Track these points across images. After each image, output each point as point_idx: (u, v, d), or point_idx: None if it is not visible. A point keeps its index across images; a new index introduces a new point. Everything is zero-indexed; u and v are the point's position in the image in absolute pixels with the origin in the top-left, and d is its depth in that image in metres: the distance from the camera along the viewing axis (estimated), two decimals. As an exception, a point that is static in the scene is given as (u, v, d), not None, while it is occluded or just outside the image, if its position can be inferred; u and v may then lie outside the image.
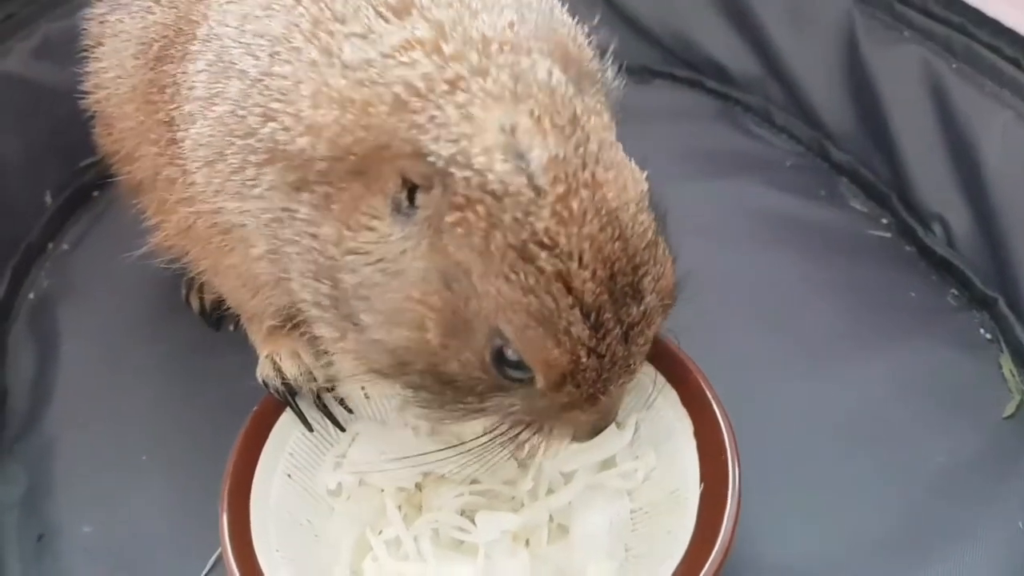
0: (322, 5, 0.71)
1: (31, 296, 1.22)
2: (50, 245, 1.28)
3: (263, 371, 0.94)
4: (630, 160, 0.72)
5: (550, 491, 0.91)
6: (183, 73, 0.82)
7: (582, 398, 0.73)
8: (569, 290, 0.66)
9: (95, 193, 1.34)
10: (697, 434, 0.87)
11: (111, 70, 0.94)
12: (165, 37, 0.86)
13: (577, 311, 0.67)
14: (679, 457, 0.88)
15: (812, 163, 1.36)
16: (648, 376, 0.91)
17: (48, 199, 1.29)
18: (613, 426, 0.91)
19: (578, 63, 0.74)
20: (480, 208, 0.65)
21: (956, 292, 1.18)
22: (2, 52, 1.26)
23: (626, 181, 0.69)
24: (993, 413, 1.04)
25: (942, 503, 0.95)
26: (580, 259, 0.66)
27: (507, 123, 0.65)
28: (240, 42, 0.75)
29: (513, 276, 0.66)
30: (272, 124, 0.71)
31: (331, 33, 0.70)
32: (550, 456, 0.81)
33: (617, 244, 0.68)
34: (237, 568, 0.80)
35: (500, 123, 0.65)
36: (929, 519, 0.94)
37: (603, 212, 0.67)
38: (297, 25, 0.72)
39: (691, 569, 0.78)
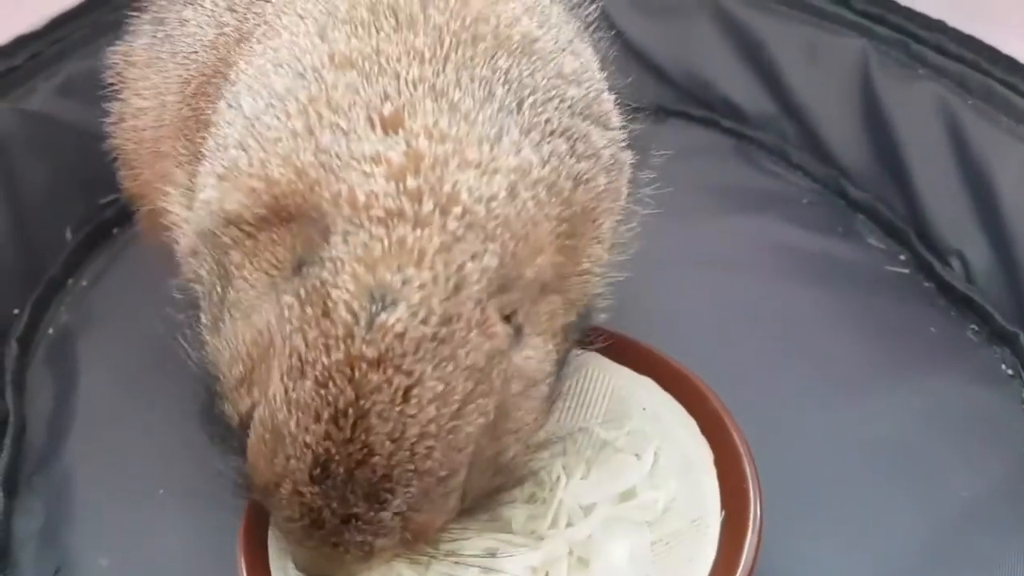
0: (323, 86, 0.70)
1: (50, 331, 1.23)
2: (70, 280, 1.29)
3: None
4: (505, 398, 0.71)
5: (569, 524, 0.90)
6: (215, 113, 0.83)
7: (281, 528, 0.73)
8: (308, 431, 0.65)
9: (115, 230, 1.34)
10: (717, 463, 0.86)
11: (149, 111, 0.97)
12: (203, 75, 0.88)
13: (309, 454, 0.65)
14: (699, 486, 0.86)
15: (828, 200, 1.36)
16: (666, 405, 0.91)
17: (69, 235, 1.30)
18: (633, 457, 0.92)
19: (551, 267, 0.73)
20: (309, 310, 0.65)
21: (976, 328, 1.17)
22: (27, 90, 1.28)
23: (444, 410, 0.65)
24: (1017, 446, 1.03)
25: (967, 534, 0.94)
26: (336, 417, 0.64)
27: (388, 277, 0.63)
28: (249, 88, 0.77)
29: (285, 380, 0.66)
30: (241, 152, 0.72)
31: (320, 115, 0.69)
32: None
33: (387, 443, 0.64)
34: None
35: (383, 272, 0.64)
36: (954, 550, 0.93)
37: (394, 406, 0.64)
38: (295, 93, 0.71)
39: (713, 597, 0.77)
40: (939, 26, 1.27)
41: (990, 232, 1.18)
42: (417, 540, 0.71)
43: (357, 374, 0.63)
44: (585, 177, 0.76)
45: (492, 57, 0.73)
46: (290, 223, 0.70)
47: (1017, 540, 0.94)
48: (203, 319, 0.79)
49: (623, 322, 0.92)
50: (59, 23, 1.31)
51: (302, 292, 0.66)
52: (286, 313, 0.66)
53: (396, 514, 0.67)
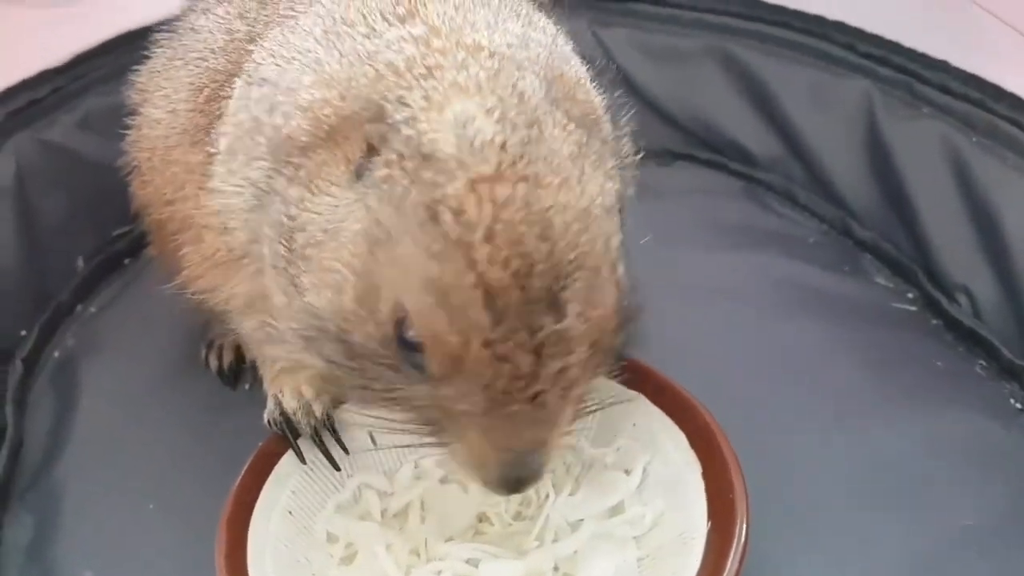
0: (335, 17, 0.78)
1: (56, 354, 1.24)
2: (79, 307, 1.30)
3: (268, 409, 0.94)
4: (602, 181, 0.71)
5: (556, 539, 0.88)
6: (227, 105, 0.86)
7: (477, 408, 0.69)
8: (472, 264, 0.64)
9: (126, 261, 1.36)
10: (706, 475, 0.85)
11: (161, 119, 0.99)
12: (216, 81, 0.91)
13: (479, 291, 0.64)
14: (687, 500, 0.85)
15: (835, 240, 1.35)
16: (656, 419, 0.90)
17: (80, 263, 1.32)
18: (622, 473, 0.91)
19: (574, 104, 0.75)
20: (408, 164, 0.66)
21: (984, 363, 1.15)
22: (48, 123, 1.32)
23: (573, 192, 0.67)
24: (1024, 479, 1.00)
25: (968, 564, 0.92)
26: (488, 236, 0.64)
27: (462, 108, 0.67)
28: (265, 60, 0.82)
29: (420, 238, 0.65)
30: (275, 115, 0.76)
31: (338, 35, 0.76)
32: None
33: (541, 244, 0.65)
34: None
35: (455, 106, 0.67)
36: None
37: (533, 207, 0.65)
38: (312, 31, 0.79)
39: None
40: (942, 66, 1.28)
41: (997, 267, 1.17)
42: (597, 349, 0.71)
43: (485, 192, 0.64)
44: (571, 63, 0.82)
45: None
46: (329, 142, 0.73)
47: (1021, 569, 0.91)
48: (277, 302, 0.78)
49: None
50: (81, 60, 1.36)
51: (393, 159, 0.67)
52: (386, 191, 0.67)
53: (578, 315, 0.67)
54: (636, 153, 0.90)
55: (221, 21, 0.94)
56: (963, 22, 1.53)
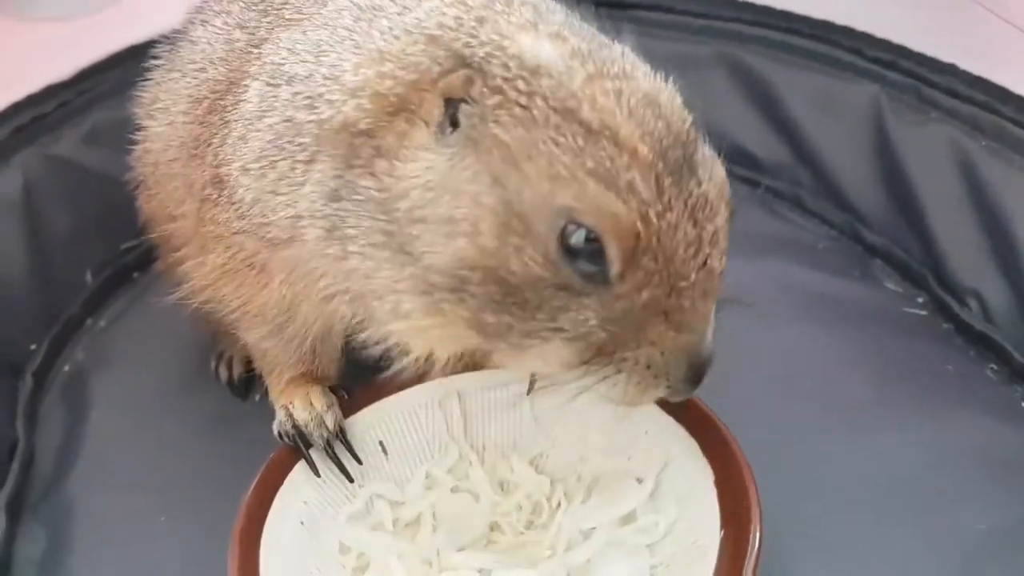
0: (362, 7, 0.80)
1: (66, 368, 1.24)
2: (88, 321, 1.30)
3: (278, 421, 0.94)
4: None
5: (568, 548, 0.88)
6: (235, 109, 0.86)
7: (663, 293, 0.69)
8: (619, 145, 0.67)
9: (135, 275, 1.36)
10: (718, 482, 0.84)
11: (161, 133, 0.99)
12: (216, 92, 0.90)
13: (635, 169, 0.67)
14: (701, 507, 0.85)
15: (845, 245, 1.35)
16: (669, 428, 0.90)
17: (89, 277, 1.32)
18: (634, 481, 0.90)
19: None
20: (520, 83, 0.69)
21: (995, 367, 1.14)
22: (55, 137, 1.32)
23: (652, 79, 0.73)
24: (1038, 482, 0.99)
25: (982, 569, 0.91)
26: (628, 113, 0.68)
27: (532, 37, 0.72)
28: (286, 59, 0.82)
29: (562, 139, 0.67)
30: (317, 110, 0.77)
31: (370, 20, 0.78)
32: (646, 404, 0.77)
33: (660, 122, 0.69)
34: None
35: (530, 32, 0.72)
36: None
37: (639, 93, 0.70)
38: (339, 21, 0.81)
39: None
40: (950, 69, 1.28)
41: (1007, 270, 1.17)
42: (728, 213, 0.74)
43: (600, 84, 0.69)
44: None
45: None
46: (401, 112, 0.74)
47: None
48: (385, 277, 0.76)
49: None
50: (87, 74, 1.36)
51: (499, 84, 0.70)
52: (505, 114, 0.69)
53: (709, 178, 0.72)
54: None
55: (220, 32, 0.94)
56: (970, 25, 1.53)
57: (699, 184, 0.70)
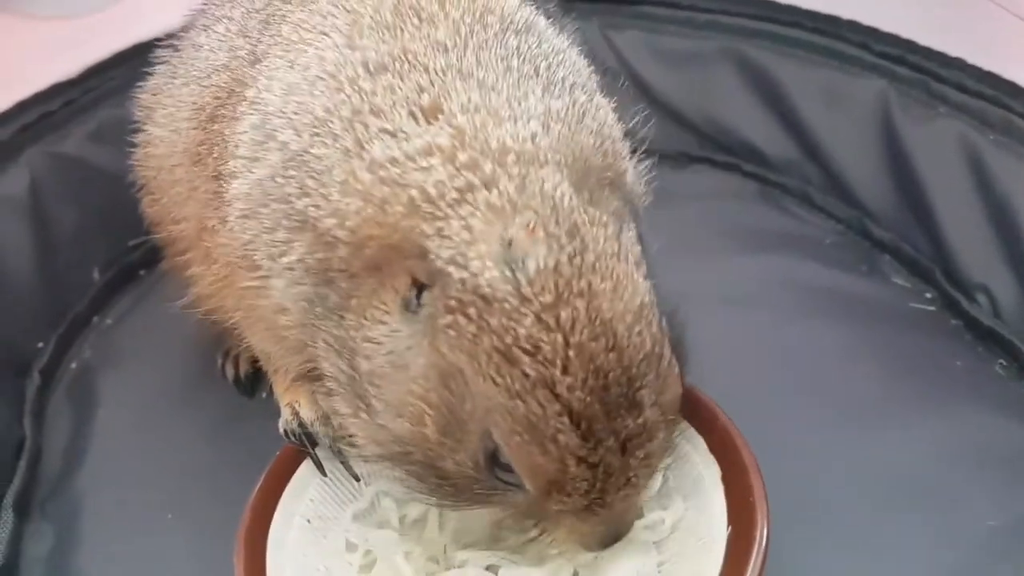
0: (363, 96, 0.75)
1: (73, 365, 1.25)
2: (95, 318, 1.31)
3: (283, 420, 0.94)
4: (638, 268, 0.72)
5: (576, 545, 0.88)
6: (232, 132, 0.85)
7: (577, 508, 0.73)
8: (555, 397, 0.67)
9: (142, 272, 1.37)
10: (725, 479, 0.84)
11: (164, 138, 0.99)
12: (218, 99, 0.90)
13: (565, 418, 0.67)
14: (707, 505, 0.85)
15: (852, 241, 1.34)
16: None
17: (96, 275, 1.33)
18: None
19: (599, 171, 0.76)
20: (471, 310, 0.67)
21: (1004, 363, 1.14)
22: (61, 135, 1.33)
23: (625, 292, 0.70)
24: (1047, 480, 0.99)
25: (991, 565, 0.91)
26: (565, 367, 0.67)
27: (504, 235, 0.67)
28: (283, 112, 0.79)
29: (499, 380, 0.67)
30: (306, 199, 0.75)
31: (366, 126, 0.74)
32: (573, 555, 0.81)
33: (611, 355, 0.68)
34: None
35: (498, 234, 0.68)
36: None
37: (596, 322, 0.67)
38: (338, 111, 0.75)
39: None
40: (958, 64, 1.27)
41: (1016, 266, 1.16)
42: (670, 417, 0.75)
43: (552, 322, 0.66)
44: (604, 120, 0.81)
45: (503, 38, 0.80)
46: (375, 270, 0.72)
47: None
48: (338, 406, 0.80)
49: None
50: (93, 72, 1.37)
51: (453, 305, 0.68)
52: (454, 337, 0.68)
53: (652, 405, 0.71)
54: (649, 165, 0.90)
55: (223, 39, 0.94)
56: (979, 19, 1.51)
57: (638, 416, 0.70)
